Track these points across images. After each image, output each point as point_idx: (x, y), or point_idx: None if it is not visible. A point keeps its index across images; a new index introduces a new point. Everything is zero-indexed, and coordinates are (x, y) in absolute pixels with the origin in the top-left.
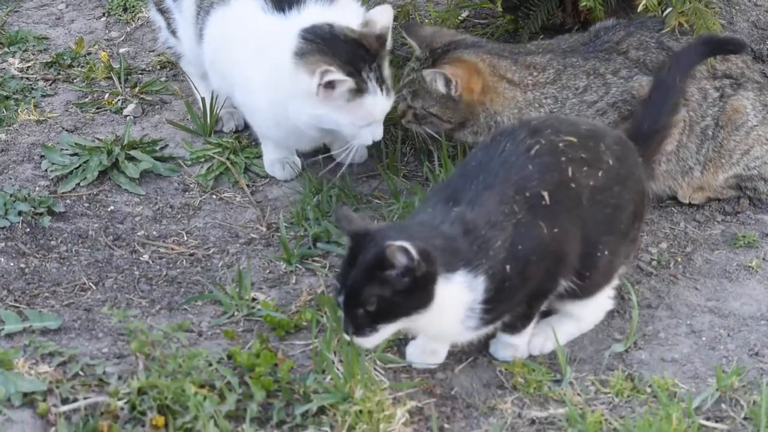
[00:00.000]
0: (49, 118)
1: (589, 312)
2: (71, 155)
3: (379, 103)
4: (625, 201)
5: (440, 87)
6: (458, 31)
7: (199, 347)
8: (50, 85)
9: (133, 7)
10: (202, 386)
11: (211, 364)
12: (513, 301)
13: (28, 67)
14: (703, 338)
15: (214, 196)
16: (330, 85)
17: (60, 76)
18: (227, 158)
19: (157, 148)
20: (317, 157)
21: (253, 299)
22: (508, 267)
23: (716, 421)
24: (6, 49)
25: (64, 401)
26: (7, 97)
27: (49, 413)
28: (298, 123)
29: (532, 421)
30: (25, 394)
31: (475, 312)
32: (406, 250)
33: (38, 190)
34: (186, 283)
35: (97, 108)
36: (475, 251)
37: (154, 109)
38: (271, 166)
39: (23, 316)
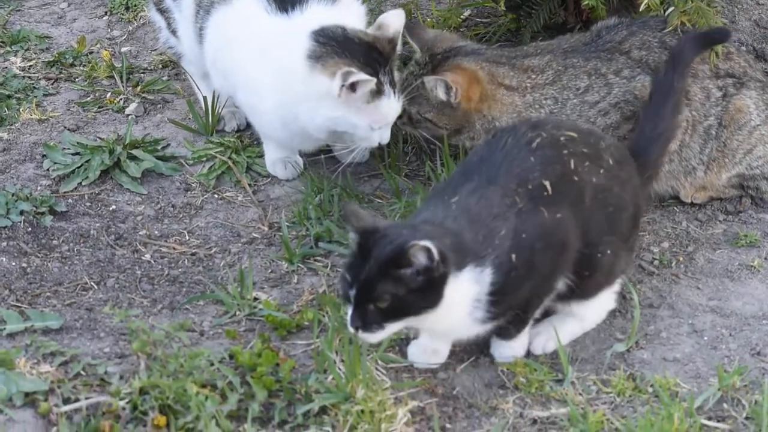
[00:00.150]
0: (51, 117)
1: (591, 311)
2: (73, 154)
3: (392, 105)
4: (625, 203)
5: (440, 94)
6: (460, 33)
7: (201, 347)
8: (52, 84)
9: (135, 6)
10: (203, 386)
11: (212, 364)
12: (519, 293)
13: (30, 66)
14: (705, 338)
15: (215, 196)
16: (352, 87)
17: (62, 75)
18: (229, 157)
19: (159, 147)
20: (319, 156)
21: (255, 299)
22: (513, 256)
23: (718, 421)
24: (8, 48)
25: (66, 401)
26: (9, 96)
27: (50, 413)
28: (309, 126)
29: (534, 421)
30: (26, 394)
31: (482, 303)
32: (428, 251)
33: (40, 189)
34: (188, 283)
35: (99, 107)
36: (480, 242)
37: (156, 108)
38: (272, 166)
39: (25, 315)
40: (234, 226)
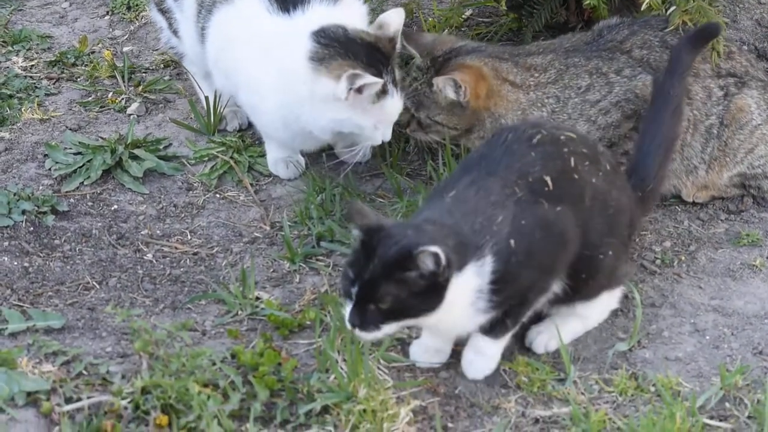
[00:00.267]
0: (52, 116)
1: (593, 311)
2: (75, 154)
3: (396, 104)
4: (624, 206)
5: (450, 93)
6: (459, 34)
7: (203, 346)
8: (54, 83)
9: (137, 5)
10: (205, 385)
11: (214, 363)
12: (519, 281)
13: (32, 65)
14: (707, 337)
15: (217, 195)
16: (358, 89)
17: (64, 75)
18: (231, 157)
19: (161, 147)
20: (321, 155)
21: (257, 298)
22: (512, 242)
23: (720, 420)
24: (10, 48)
25: (68, 400)
26: (10, 96)
27: (52, 412)
28: (313, 127)
29: (536, 420)
30: (28, 394)
31: (484, 293)
32: (437, 257)
33: (42, 189)
34: (190, 282)
35: (101, 107)
36: (478, 230)
37: (157, 107)
38: (274, 165)
39: (27, 315)
40: (236, 225)
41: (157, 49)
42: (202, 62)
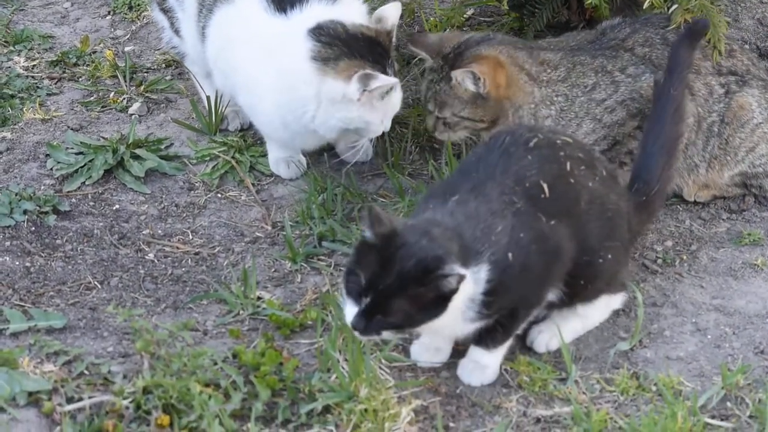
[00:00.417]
0: (54, 116)
1: (594, 310)
2: (76, 154)
3: (399, 96)
4: (622, 211)
5: (470, 85)
6: (462, 30)
7: (204, 346)
8: (55, 83)
9: (139, 5)
10: (207, 385)
11: (216, 363)
12: (511, 294)
13: (34, 65)
14: (709, 336)
15: (219, 195)
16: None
17: (65, 75)
18: (232, 157)
19: (163, 146)
20: (322, 155)
21: (258, 298)
22: (510, 255)
23: (722, 420)
24: (11, 48)
25: (69, 400)
26: (12, 96)
27: (54, 412)
28: (319, 127)
29: (537, 420)
30: (30, 393)
31: (475, 303)
32: (461, 278)
33: (43, 188)
34: (191, 282)
35: (103, 107)
36: (478, 238)
37: (159, 107)
38: (276, 165)
39: (28, 315)
40: (237, 225)
41: (158, 49)
42: (204, 62)
